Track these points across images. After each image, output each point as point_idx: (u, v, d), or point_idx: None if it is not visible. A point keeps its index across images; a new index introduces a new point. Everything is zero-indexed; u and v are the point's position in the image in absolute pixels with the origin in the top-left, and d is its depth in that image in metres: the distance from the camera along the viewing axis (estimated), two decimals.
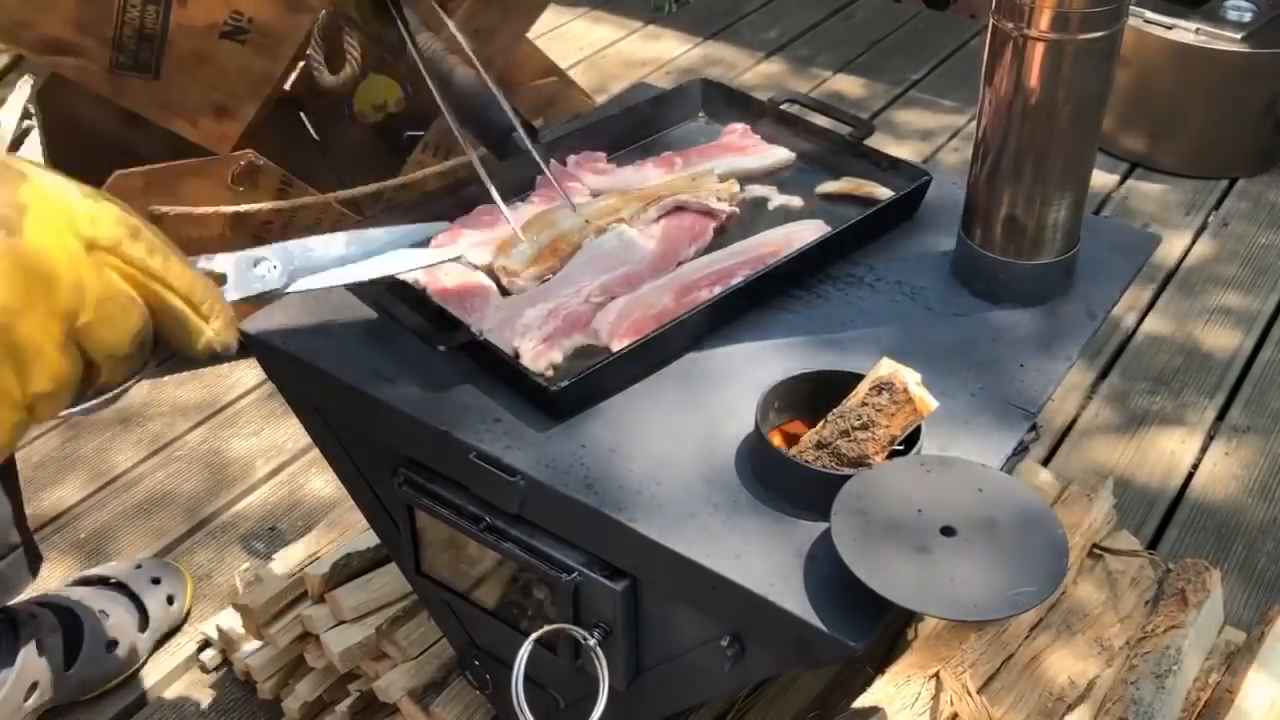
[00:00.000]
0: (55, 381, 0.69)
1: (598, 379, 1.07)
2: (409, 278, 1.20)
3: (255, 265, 0.86)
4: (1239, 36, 2.69)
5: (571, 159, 1.40)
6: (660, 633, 1.05)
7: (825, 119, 1.47)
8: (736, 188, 1.34)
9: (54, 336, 0.68)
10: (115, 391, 0.75)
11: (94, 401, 0.75)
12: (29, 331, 0.66)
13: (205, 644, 1.70)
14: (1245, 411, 2.15)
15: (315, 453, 1.92)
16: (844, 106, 1.54)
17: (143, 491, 1.98)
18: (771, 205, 1.35)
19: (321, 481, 1.98)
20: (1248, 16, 2.75)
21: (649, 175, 1.38)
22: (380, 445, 1.15)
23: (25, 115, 2.81)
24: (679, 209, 1.30)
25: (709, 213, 1.29)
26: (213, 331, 0.76)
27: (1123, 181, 2.83)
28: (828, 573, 0.91)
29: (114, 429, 2.10)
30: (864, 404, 0.96)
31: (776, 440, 1.01)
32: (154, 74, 1.96)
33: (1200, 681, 1.32)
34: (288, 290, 0.87)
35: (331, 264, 0.90)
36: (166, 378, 2.21)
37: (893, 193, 1.32)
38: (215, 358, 0.77)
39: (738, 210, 1.31)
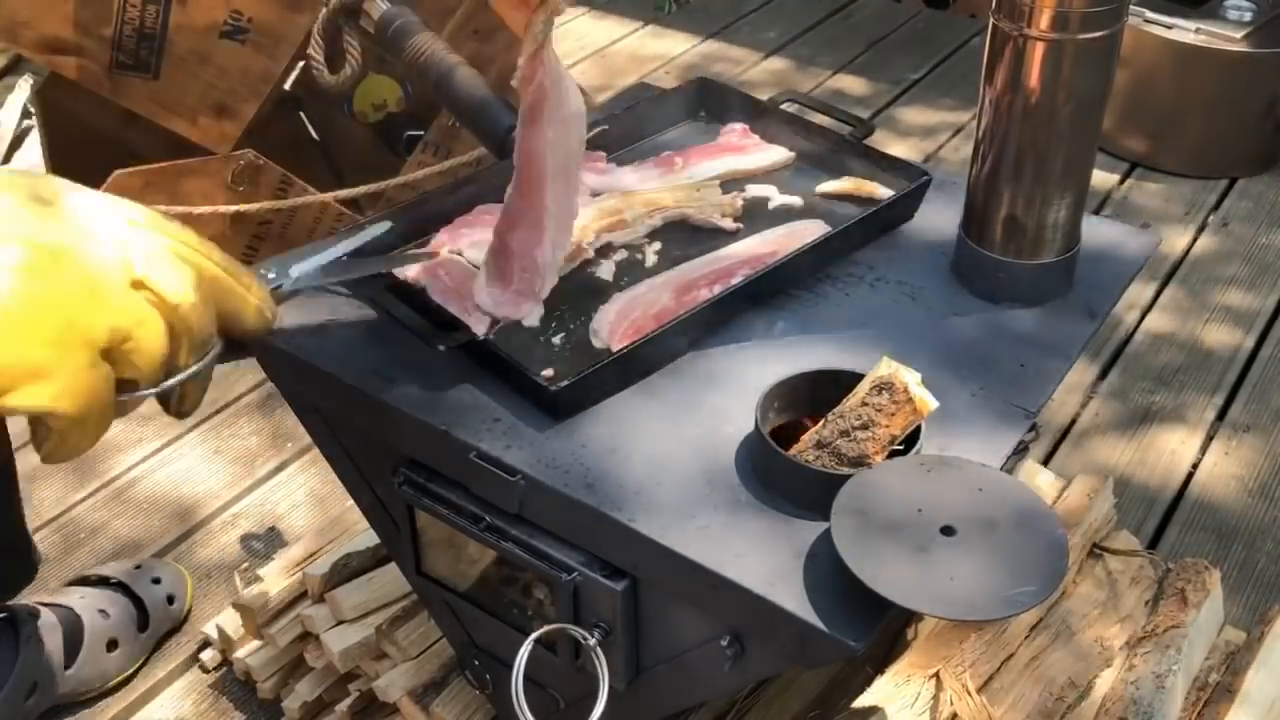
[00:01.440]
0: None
1: (598, 379, 1.07)
2: (410, 276, 1.20)
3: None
4: (1239, 36, 2.69)
5: None
6: (660, 633, 1.04)
7: (825, 118, 1.46)
8: (740, 202, 1.34)
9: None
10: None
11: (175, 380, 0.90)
12: None
13: (205, 644, 1.70)
14: (1246, 411, 2.14)
15: (315, 453, 1.92)
16: (844, 106, 1.54)
17: (143, 491, 1.98)
18: (771, 205, 1.35)
19: (321, 481, 1.98)
20: (1248, 16, 2.75)
21: (649, 175, 1.38)
22: (380, 445, 1.15)
23: (25, 115, 2.81)
24: (683, 221, 1.30)
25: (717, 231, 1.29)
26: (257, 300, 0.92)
27: (1123, 181, 2.83)
28: (828, 573, 0.91)
29: (114, 428, 2.10)
30: (864, 404, 0.96)
31: (776, 440, 1.01)
32: (154, 74, 1.96)
33: (1200, 681, 1.32)
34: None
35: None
36: None
37: (893, 192, 1.32)
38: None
39: (742, 226, 1.31)
